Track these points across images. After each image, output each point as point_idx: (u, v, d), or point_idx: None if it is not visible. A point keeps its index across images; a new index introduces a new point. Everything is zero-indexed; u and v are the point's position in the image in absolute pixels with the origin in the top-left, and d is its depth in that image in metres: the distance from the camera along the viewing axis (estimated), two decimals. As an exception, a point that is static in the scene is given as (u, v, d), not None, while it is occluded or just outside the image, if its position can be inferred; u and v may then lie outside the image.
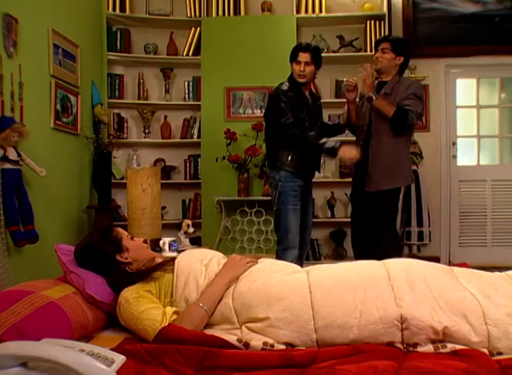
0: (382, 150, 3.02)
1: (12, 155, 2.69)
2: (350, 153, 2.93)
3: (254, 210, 4.24)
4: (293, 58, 3.05)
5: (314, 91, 3.32)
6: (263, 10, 4.54)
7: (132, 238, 1.89)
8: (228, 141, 4.23)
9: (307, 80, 3.05)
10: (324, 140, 2.97)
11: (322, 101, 4.44)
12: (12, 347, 1.04)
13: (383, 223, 3.09)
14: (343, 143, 2.97)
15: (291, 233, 3.03)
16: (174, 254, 2.92)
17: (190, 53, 4.53)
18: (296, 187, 3.04)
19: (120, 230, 1.89)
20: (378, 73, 3.16)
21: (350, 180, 3.43)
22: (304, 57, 3.01)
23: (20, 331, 1.36)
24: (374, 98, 3.01)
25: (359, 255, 3.10)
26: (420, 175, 4.51)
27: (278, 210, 3.07)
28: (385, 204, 3.08)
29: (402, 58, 3.10)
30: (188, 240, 3.32)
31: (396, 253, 3.10)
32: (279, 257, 2.95)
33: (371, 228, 3.15)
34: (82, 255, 1.80)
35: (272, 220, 3.50)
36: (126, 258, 1.80)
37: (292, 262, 2.01)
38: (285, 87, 3.05)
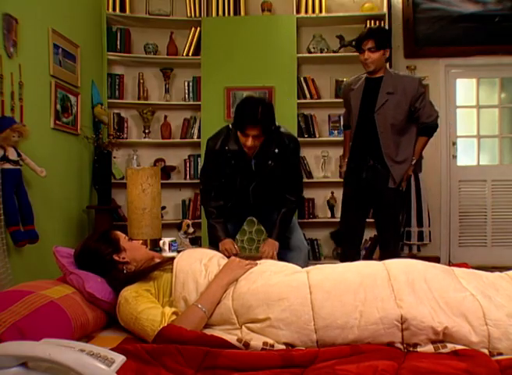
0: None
1: (12, 155, 2.69)
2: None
3: (254, 210, 4.23)
4: (241, 130, 2.41)
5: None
6: (263, 10, 4.53)
7: (130, 240, 1.92)
8: (228, 141, 4.22)
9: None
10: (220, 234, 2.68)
11: (323, 101, 4.50)
12: (11, 347, 1.04)
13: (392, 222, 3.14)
14: None
15: None
16: (174, 254, 2.92)
17: (190, 53, 4.52)
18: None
19: (118, 232, 1.92)
20: (370, 73, 3.01)
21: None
22: (252, 131, 2.39)
23: (20, 331, 1.36)
24: (411, 170, 3.14)
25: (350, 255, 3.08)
26: (420, 175, 4.51)
27: None
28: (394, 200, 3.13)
29: (388, 51, 3.00)
30: (188, 240, 3.32)
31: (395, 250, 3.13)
32: None
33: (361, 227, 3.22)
34: (81, 257, 1.83)
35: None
36: (124, 258, 1.82)
37: None
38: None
